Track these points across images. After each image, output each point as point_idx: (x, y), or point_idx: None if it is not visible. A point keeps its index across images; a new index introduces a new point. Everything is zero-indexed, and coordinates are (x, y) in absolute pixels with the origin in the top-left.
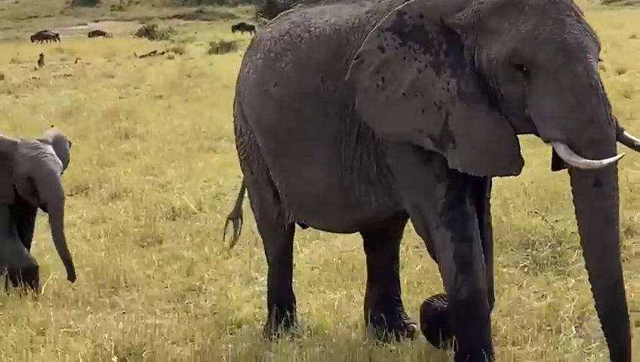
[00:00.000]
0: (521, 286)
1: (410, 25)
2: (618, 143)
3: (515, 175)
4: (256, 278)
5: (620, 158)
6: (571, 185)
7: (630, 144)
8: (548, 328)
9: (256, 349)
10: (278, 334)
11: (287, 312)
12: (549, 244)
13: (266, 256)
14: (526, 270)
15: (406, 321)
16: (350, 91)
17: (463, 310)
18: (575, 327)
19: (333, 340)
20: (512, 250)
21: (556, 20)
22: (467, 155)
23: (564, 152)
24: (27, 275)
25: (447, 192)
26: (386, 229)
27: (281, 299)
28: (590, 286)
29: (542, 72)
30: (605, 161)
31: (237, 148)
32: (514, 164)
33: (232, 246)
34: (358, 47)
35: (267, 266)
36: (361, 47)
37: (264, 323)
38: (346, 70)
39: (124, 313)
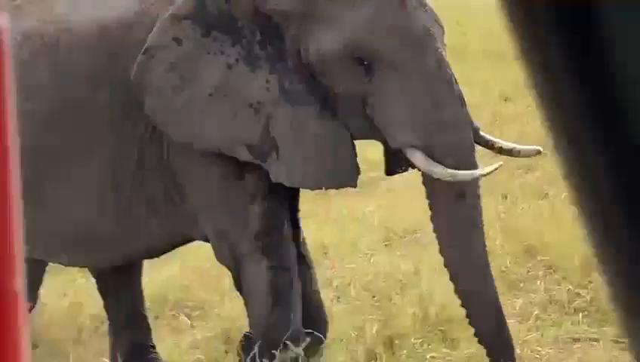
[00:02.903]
0: None
1: (213, 11)
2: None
3: (353, 186)
4: None
5: (498, 168)
6: (428, 198)
7: (488, 145)
8: None
9: None
10: None
11: None
12: None
13: None
14: None
15: None
16: (128, 102)
17: (275, 346)
18: None
19: None
20: None
21: (399, 4)
22: (295, 167)
23: (423, 162)
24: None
25: (264, 214)
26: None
27: None
28: (466, 312)
29: (388, 67)
30: (478, 172)
31: None
32: (352, 175)
33: None
34: (141, 42)
35: None
36: (148, 40)
37: None
38: (124, 74)
39: None
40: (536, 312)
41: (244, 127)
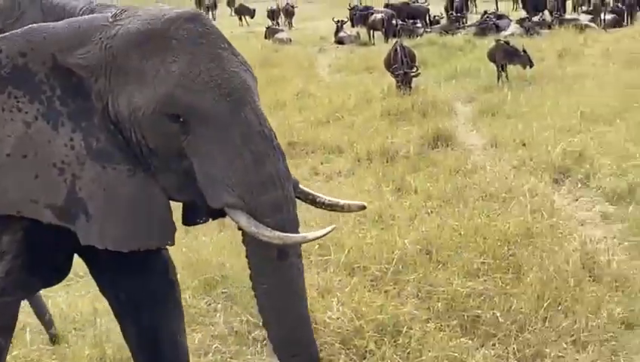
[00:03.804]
0: None
1: (8, 65)
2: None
3: (170, 245)
4: None
5: (329, 233)
6: (248, 257)
7: (309, 199)
8: None
9: None
10: None
11: None
12: None
13: None
14: None
15: None
16: None
17: None
18: None
19: None
20: None
21: (213, 57)
22: (107, 228)
23: (248, 224)
24: None
25: (5, 274)
26: None
27: None
28: None
29: (205, 123)
30: (311, 236)
31: None
32: (168, 233)
33: None
34: None
35: None
36: None
37: None
38: None
39: None
40: (215, 345)
41: (48, 189)
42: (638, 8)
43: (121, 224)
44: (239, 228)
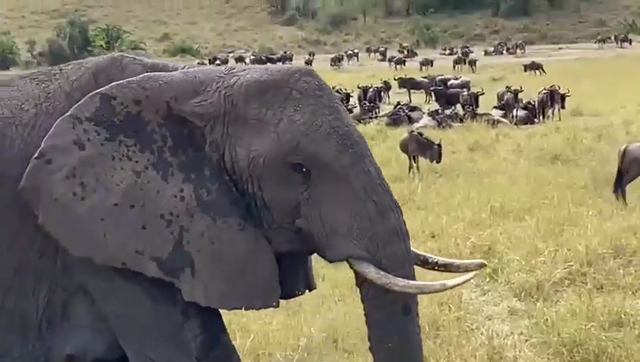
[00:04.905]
0: None
1: (121, 113)
2: None
3: (275, 306)
4: None
5: (471, 279)
6: (371, 313)
7: (420, 260)
8: None
9: None
10: None
11: None
12: None
13: None
14: None
15: None
16: (12, 213)
17: None
18: None
19: None
20: None
21: (332, 109)
22: (214, 285)
23: (377, 274)
24: None
25: (201, 328)
26: None
27: None
28: None
29: (328, 173)
30: (452, 283)
31: None
32: (273, 294)
33: None
34: (28, 146)
35: None
36: (43, 142)
37: None
38: (7, 182)
39: None
40: None
41: (155, 240)
42: (549, 106)
43: (228, 281)
44: (358, 284)
